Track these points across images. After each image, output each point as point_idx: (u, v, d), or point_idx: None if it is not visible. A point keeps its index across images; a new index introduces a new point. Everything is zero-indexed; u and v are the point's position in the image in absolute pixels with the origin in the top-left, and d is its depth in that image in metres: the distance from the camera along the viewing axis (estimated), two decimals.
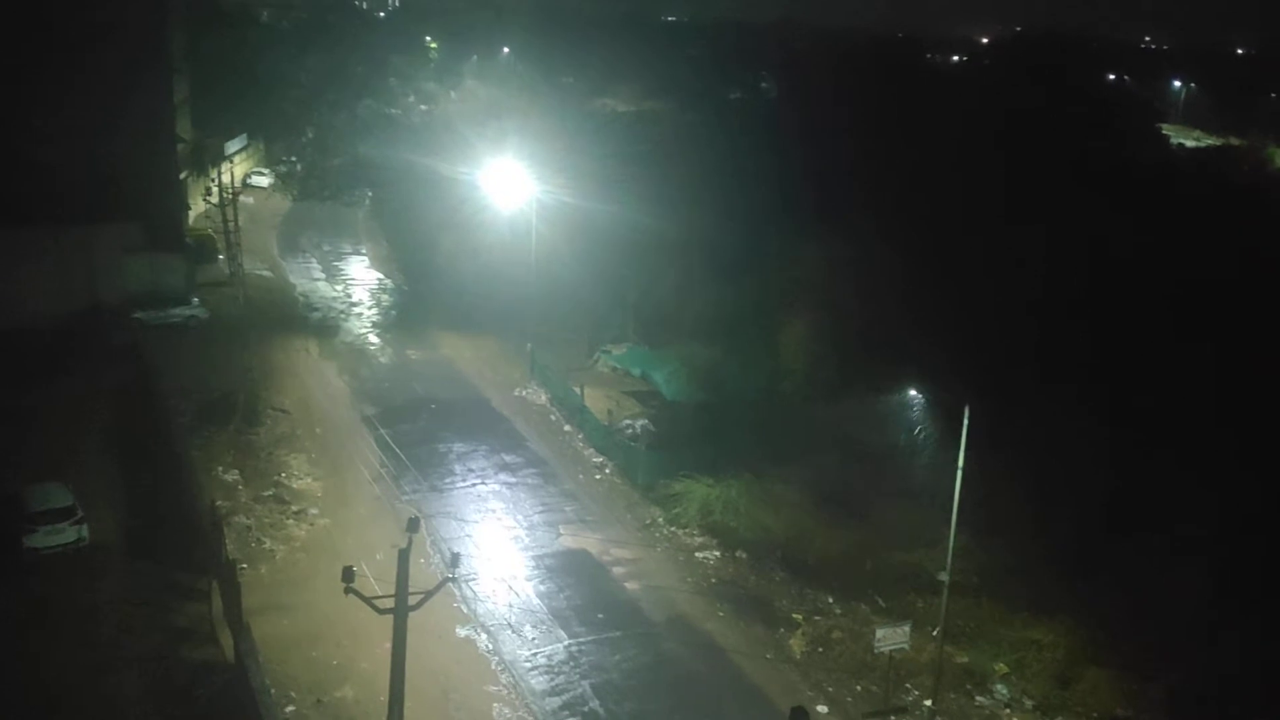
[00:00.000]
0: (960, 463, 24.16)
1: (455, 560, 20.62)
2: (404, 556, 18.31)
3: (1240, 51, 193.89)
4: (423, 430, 40.56)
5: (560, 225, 49.00)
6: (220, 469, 35.92)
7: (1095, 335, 37.49)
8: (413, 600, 18.60)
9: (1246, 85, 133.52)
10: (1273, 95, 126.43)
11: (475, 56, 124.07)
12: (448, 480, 36.76)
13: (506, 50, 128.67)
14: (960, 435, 23.97)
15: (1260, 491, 29.80)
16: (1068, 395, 33.55)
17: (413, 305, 55.27)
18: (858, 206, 47.48)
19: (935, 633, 25.93)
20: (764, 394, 39.93)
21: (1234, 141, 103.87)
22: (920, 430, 35.39)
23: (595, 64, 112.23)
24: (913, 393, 34.51)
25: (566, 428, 41.88)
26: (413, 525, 18.82)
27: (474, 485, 36.57)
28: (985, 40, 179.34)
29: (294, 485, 35.51)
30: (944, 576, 25.24)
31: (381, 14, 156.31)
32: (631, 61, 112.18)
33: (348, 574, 18.01)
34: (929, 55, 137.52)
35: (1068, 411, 32.87)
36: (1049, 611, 28.55)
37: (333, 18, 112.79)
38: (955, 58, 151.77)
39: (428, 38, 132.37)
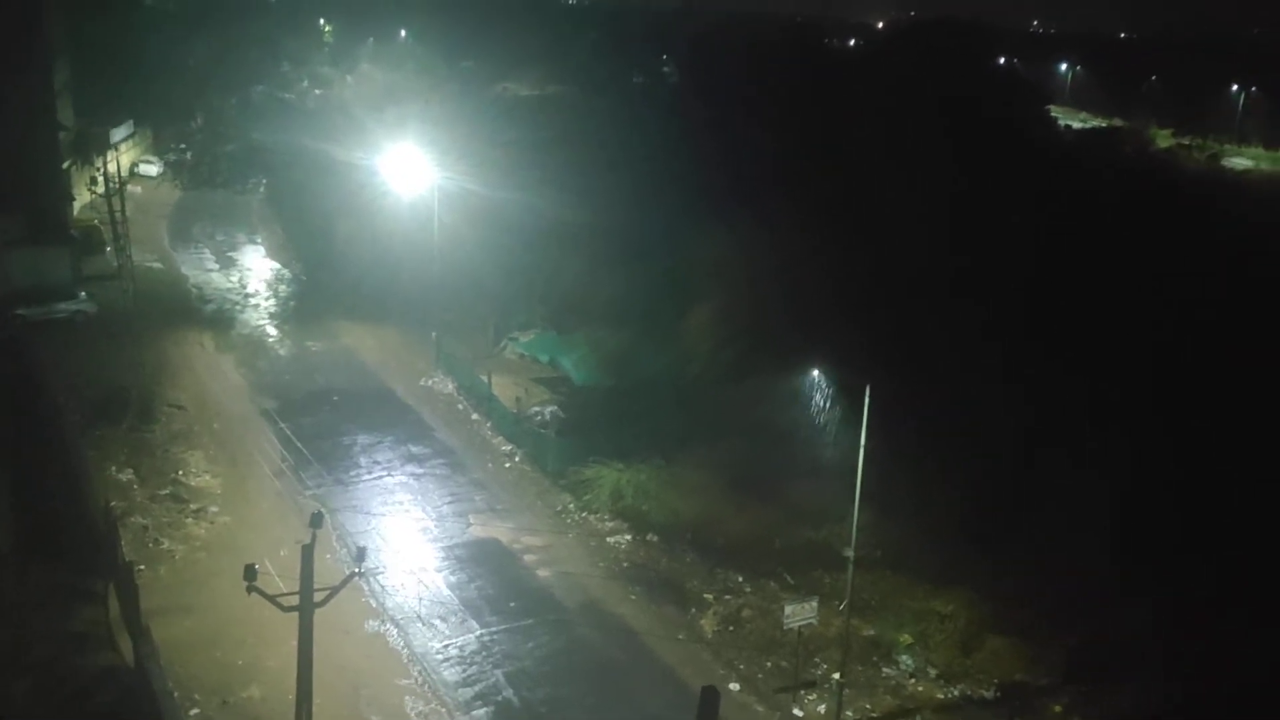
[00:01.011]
0: (863, 441, 24.64)
1: (362, 554, 20.28)
2: (308, 552, 17.99)
3: (1123, 36, 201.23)
4: (325, 423, 39.77)
5: (465, 211, 48.43)
6: (114, 468, 34.70)
7: (998, 311, 38.43)
8: (319, 596, 18.29)
9: (1129, 69, 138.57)
10: (1153, 78, 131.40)
11: (371, 40, 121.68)
12: (353, 473, 36.13)
13: (404, 34, 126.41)
14: (860, 412, 24.43)
15: (1161, 457, 30.87)
16: (970, 370, 34.36)
17: (312, 295, 54.02)
18: (763, 189, 47.91)
19: (842, 607, 26.45)
20: (674, 377, 40.09)
21: (1118, 123, 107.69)
22: (826, 409, 35.95)
23: (496, 48, 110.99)
24: (817, 373, 35.05)
25: (474, 416, 41.52)
26: (316, 520, 18.48)
27: (380, 477, 36.02)
28: (881, 25, 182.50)
29: (192, 483, 34.51)
30: (849, 552, 25.74)
31: None
32: (533, 45, 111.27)
33: (250, 572, 17.65)
34: (828, 39, 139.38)
35: (970, 386, 33.68)
36: (952, 582, 29.37)
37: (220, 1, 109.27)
38: (853, 41, 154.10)
39: (322, 20, 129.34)
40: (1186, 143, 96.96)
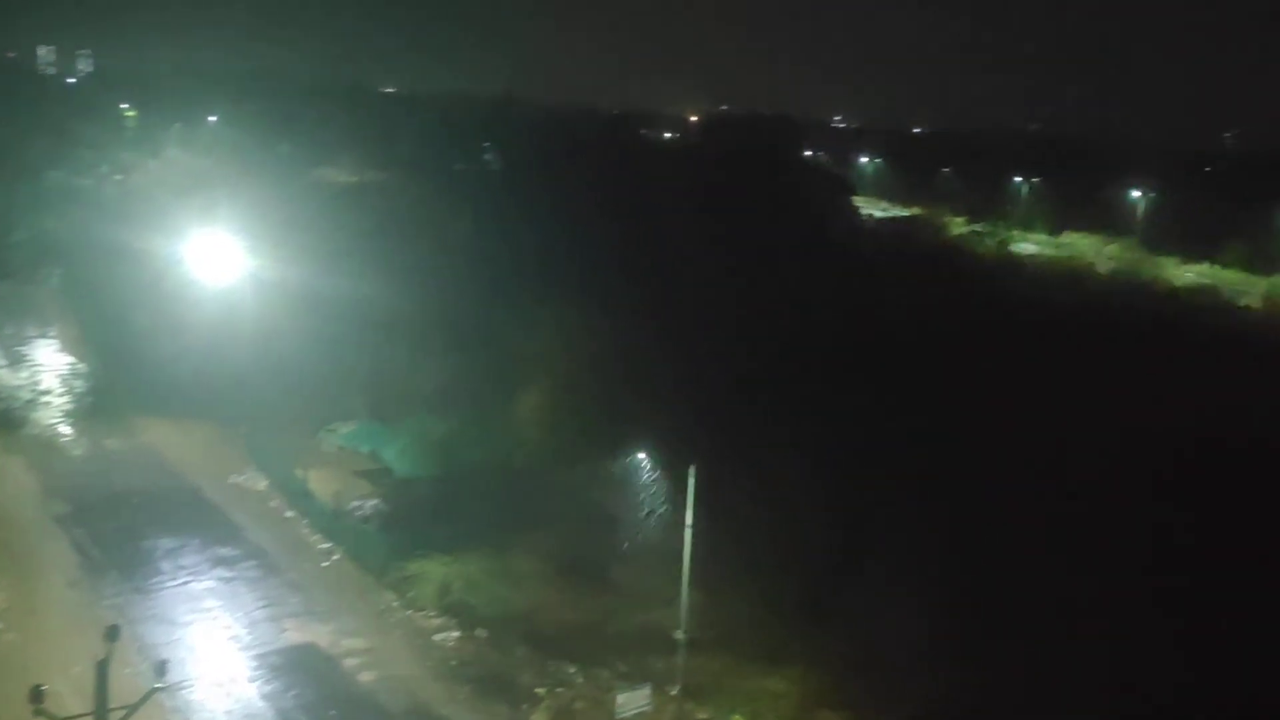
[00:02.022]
0: (689, 520, 24.75)
1: (163, 667, 18.90)
2: (102, 668, 16.75)
3: (917, 131, 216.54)
4: (125, 527, 37.00)
5: (281, 300, 46.80)
6: None
7: (813, 390, 39.74)
8: (116, 716, 16.92)
9: (924, 161, 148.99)
10: (945, 170, 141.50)
11: (178, 124, 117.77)
12: (154, 580, 33.64)
13: (214, 118, 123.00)
14: (688, 493, 24.60)
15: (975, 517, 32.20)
16: (789, 449, 35.24)
17: (110, 390, 50.66)
18: (585, 276, 48.45)
19: (675, 692, 26.21)
20: (502, 465, 39.50)
21: (917, 211, 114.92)
22: (653, 491, 36.10)
23: (315, 133, 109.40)
24: (643, 456, 35.26)
25: (289, 514, 39.56)
26: (112, 633, 17.29)
27: (185, 583, 33.66)
28: (694, 119, 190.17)
29: None
30: (680, 635, 25.62)
31: (71, 80, 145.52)
32: (354, 131, 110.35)
33: (36, 694, 16.43)
34: (644, 131, 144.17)
35: (790, 465, 34.50)
36: (785, 659, 29.54)
37: (12, 85, 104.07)
38: (668, 134, 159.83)
39: (124, 105, 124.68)
40: (979, 230, 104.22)
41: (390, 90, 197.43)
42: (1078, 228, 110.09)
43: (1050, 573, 29.77)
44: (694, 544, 25.15)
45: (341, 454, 44.84)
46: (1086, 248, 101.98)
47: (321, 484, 40.58)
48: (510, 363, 43.35)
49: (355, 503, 39.41)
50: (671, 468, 32.80)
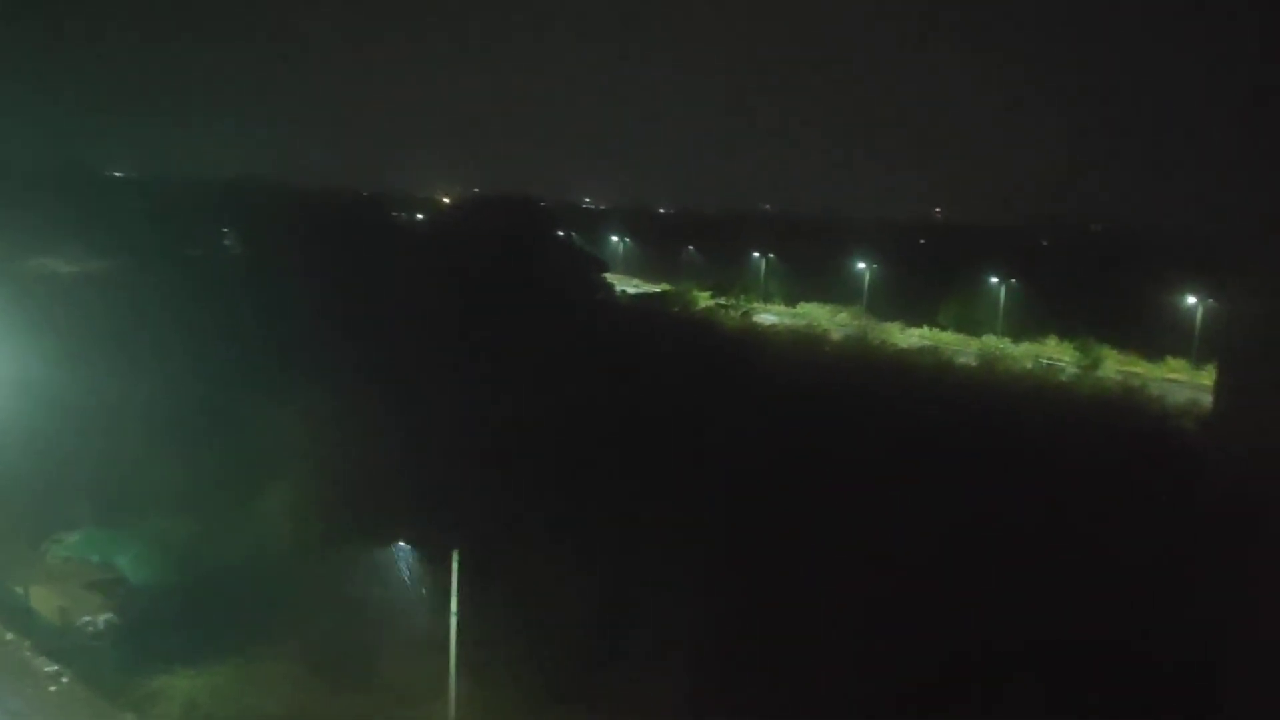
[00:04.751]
0: (454, 608, 24.28)
1: None
2: None
3: (661, 211, 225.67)
4: None
5: None
6: None
7: (570, 466, 40.13)
8: None
9: (670, 240, 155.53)
10: (690, 248, 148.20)
11: None
12: None
13: None
14: (448, 581, 24.18)
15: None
16: (552, 528, 35.31)
17: None
18: (333, 360, 47.07)
19: None
20: (250, 564, 37.19)
21: (666, 287, 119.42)
22: (415, 580, 35.10)
23: (28, 219, 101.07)
24: (402, 544, 34.32)
25: (9, 636, 35.65)
26: None
27: None
28: (447, 200, 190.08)
29: None
30: None
31: None
32: (77, 217, 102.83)
33: None
34: (395, 213, 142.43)
35: (554, 543, 34.52)
36: None
37: None
38: (420, 215, 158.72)
39: None
40: (724, 302, 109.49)
41: (119, 175, 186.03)
42: (812, 298, 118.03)
43: None
44: (460, 631, 24.63)
45: (68, 565, 40.87)
46: (821, 316, 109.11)
47: (46, 600, 36.97)
48: (255, 454, 41.23)
49: (85, 618, 36.08)
50: (433, 554, 32.03)
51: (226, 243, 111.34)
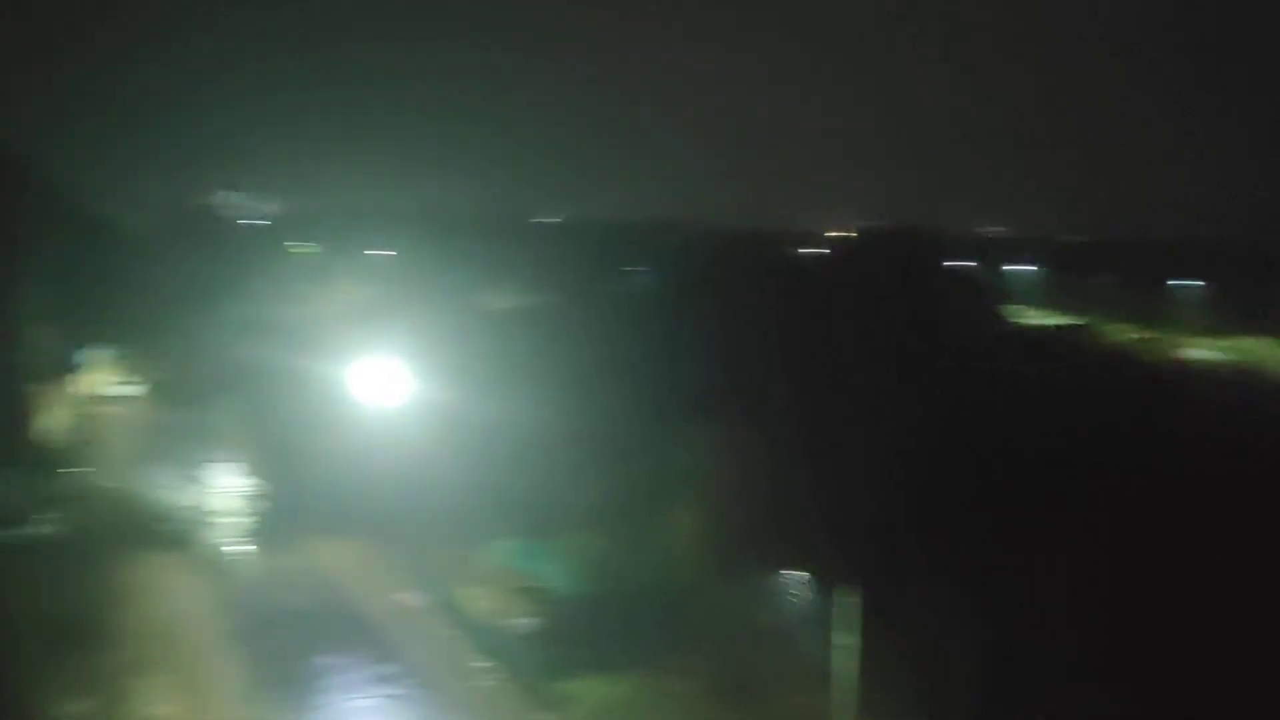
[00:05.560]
0: (847, 642, 23.60)
1: None
2: None
3: (1071, 238, 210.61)
4: (291, 644, 38.00)
5: (441, 420, 48.17)
6: (69, 700, 32.65)
7: (975, 509, 38.00)
8: None
9: (1079, 269, 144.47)
10: (1103, 276, 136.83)
11: (350, 258, 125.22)
12: (321, 697, 34.30)
13: (383, 251, 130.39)
14: (848, 613, 23.55)
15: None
16: (956, 573, 33.57)
17: (282, 511, 52.73)
18: (737, 392, 48.19)
19: None
20: (656, 583, 38.94)
21: (1076, 320, 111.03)
22: (813, 611, 34.78)
23: (476, 262, 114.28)
24: (802, 573, 34.17)
25: (448, 633, 39.89)
26: None
27: (350, 701, 34.20)
28: (847, 234, 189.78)
29: (151, 711, 32.57)
30: None
31: (254, 221, 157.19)
32: (510, 259, 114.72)
33: None
34: (794, 248, 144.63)
35: (958, 589, 32.81)
36: None
37: (201, 227, 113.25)
38: (819, 250, 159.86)
39: (307, 243, 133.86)
40: (1145, 335, 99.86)
41: (545, 220, 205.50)
42: (1249, 331, 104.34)
43: None
44: (859, 667, 23.95)
45: (498, 571, 45.16)
46: (1261, 351, 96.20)
47: (479, 602, 40.90)
48: (663, 479, 43.11)
49: (513, 620, 39.44)
50: (832, 587, 31.58)
51: (638, 280, 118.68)
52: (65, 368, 65.99)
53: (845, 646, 24.89)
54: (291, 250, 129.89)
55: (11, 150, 55.47)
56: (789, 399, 47.44)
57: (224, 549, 48.40)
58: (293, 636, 38.65)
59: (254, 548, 48.39)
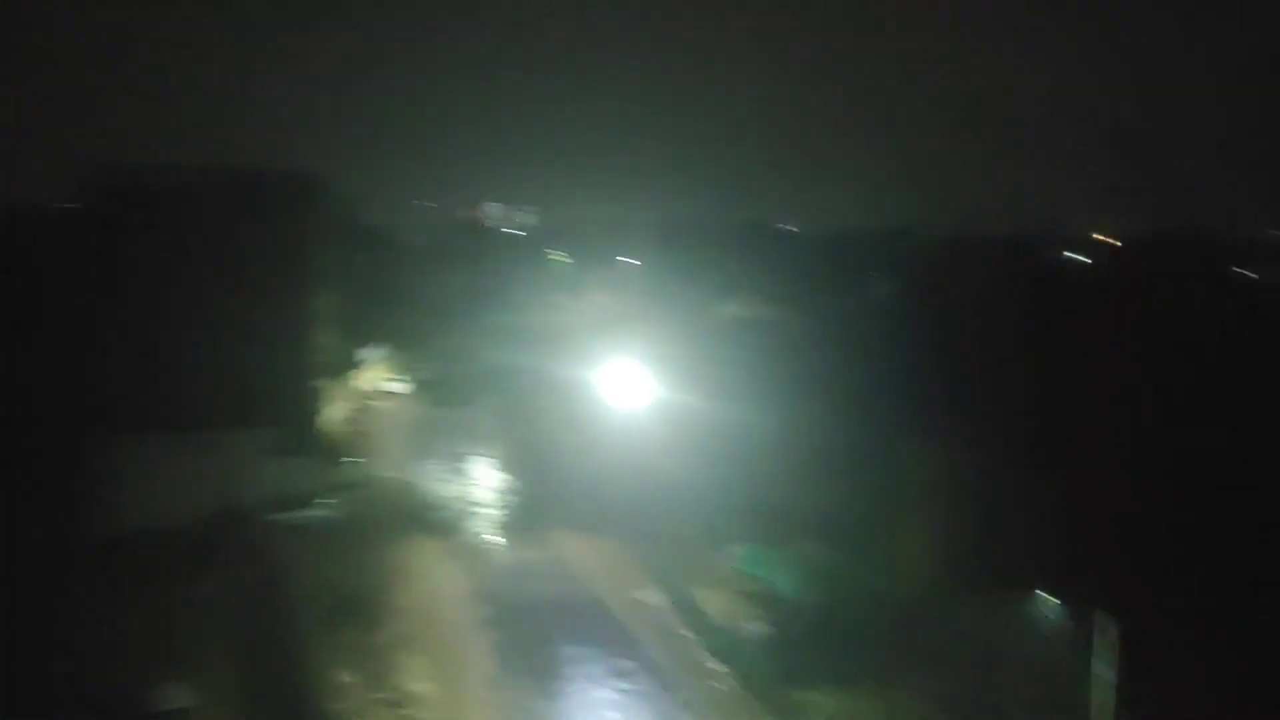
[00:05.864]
0: (1114, 679, 22.31)
1: None
2: None
3: None
4: (537, 632, 39.92)
5: (679, 424, 49.25)
6: (338, 670, 35.89)
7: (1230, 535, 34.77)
8: None
9: None
10: None
11: (601, 268, 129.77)
12: (561, 685, 35.89)
13: (630, 261, 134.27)
14: (1107, 643, 22.27)
15: None
16: (1215, 605, 30.93)
17: (532, 505, 55.58)
18: (974, 406, 46.43)
19: None
20: (885, 596, 38.22)
21: None
22: (1058, 637, 33.04)
23: (716, 273, 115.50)
24: (1045, 595, 32.53)
25: (683, 632, 40.68)
26: None
27: (588, 692, 35.59)
28: (1114, 241, 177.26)
29: (410, 687, 35.18)
30: None
31: (513, 231, 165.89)
32: (750, 270, 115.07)
33: None
34: (1051, 255, 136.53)
35: (1219, 622, 30.22)
36: None
37: (465, 238, 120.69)
38: (1082, 257, 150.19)
39: (560, 252, 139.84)
40: None
41: (785, 227, 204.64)
42: None
43: None
44: (1116, 703, 22.61)
45: (731, 575, 45.62)
46: None
47: (714, 604, 41.43)
48: (896, 492, 42.20)
49: (745, 625, 39.75)
50: (1087, 614, 29.86)
51: (880, 289, 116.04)
52: (346, 366, 72.12)
53: (1103, 678, 23.50)
54: (550, 259, 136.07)
55: (307, 170, 61.34)
56: (1040, 415, 45.17)
57: (481, 538, 51.42)
58: (537, 625, 40.59)
59: (505, 539, 51.16)
